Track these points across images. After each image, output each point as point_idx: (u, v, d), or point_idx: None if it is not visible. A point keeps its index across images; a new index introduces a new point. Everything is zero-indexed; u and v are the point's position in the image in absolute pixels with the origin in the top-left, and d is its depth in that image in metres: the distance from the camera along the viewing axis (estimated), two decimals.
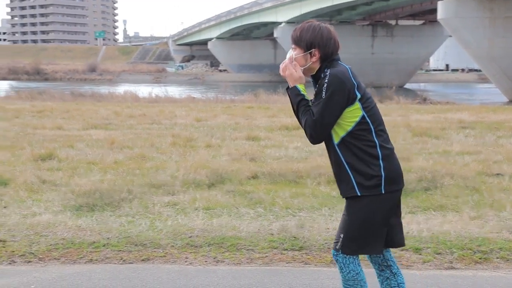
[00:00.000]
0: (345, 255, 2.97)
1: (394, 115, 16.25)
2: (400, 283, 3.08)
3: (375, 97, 24.08)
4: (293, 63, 2.98)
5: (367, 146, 2.91)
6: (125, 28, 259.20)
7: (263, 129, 12.97)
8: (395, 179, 2.95)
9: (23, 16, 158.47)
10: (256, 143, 10.67)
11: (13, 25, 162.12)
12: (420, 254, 4.67)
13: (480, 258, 4.59)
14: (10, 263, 4.59)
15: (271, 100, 23.67)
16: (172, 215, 5.71)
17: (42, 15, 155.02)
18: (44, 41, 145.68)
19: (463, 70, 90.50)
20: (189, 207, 5.98)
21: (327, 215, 5.65)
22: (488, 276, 4.30)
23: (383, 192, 2.90)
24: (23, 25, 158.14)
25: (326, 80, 2.85)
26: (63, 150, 9.61)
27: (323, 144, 3.04)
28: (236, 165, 7.96)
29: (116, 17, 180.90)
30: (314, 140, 2.92)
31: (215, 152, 9.49)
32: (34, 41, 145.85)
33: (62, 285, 4.15)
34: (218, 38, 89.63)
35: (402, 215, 5.54)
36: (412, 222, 5.35)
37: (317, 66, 2.99)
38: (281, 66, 3.04)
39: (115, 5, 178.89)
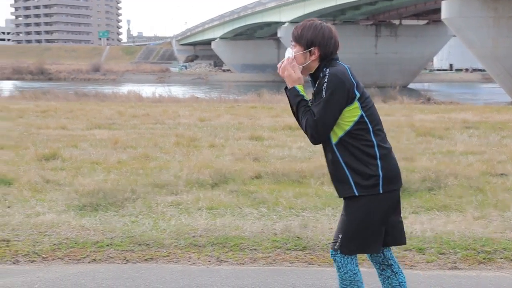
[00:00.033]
0: (343, 255, 2.97)
1: (398, 115, 16.24)
2: (402, 282, 3.08)
3: (379, 97, 24.11)
4: (291, 64, 2.97)
5: (365, 145, 2.90)
6: (128, 28, 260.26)
7: (266, 129, 12.96)
8: (393, 178, 2.95)
9: (27, 16, 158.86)
10: (260, 143, 10.67)
11: (17, 25, 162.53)
12: (423, 254, 4.66)
13: (484, 258, 4.58)
14: (14, 263, 4.60)
15: (275, 100, 23.66)
16: (176, 215, 5.71)
17: (46, 15, 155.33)
18: (48, 41, 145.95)
19: (467, 70, 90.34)
20: (192, 207, 5.98)
21: (331, 215, 5.65)
22: (491, 277, 4.29)
23: (381, 191, 2.90)
24: (27, 25, 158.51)
25: (326, 80, 2.84)
26: (67, 150, 9.63)
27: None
28: (239, 165, 7.96)
29: (120, 17, 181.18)
30: (316, 140, 2.91)
31: (219, 152, 9.49)
32: (38, 41, 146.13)
33: (66, 285, 4.16)
34: (221, 38, 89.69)
35: (406, 215, 5.57)
36: (416, 222, 5.34)
37: (316, 65, 2.98)
38: (279, 65, 3.03)
39: (119, 5, 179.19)
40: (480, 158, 8.75)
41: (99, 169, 7.98)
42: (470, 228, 5.17)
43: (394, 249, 4.62)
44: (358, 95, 2.89)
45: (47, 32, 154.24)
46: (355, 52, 59.28)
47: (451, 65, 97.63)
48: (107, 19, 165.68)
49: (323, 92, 2.84)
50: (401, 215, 3.10)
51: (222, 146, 10.26)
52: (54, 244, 4.91)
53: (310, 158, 8.61)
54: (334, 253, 3.00)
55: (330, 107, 2.83)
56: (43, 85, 50.24)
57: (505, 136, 11.54)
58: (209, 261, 4.60)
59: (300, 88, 2.97)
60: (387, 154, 2.95)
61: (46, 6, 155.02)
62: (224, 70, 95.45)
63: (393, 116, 16.00)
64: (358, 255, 3.03)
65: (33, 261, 4.63)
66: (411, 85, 62.25)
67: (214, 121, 15.00)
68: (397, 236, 3.05)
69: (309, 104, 2.94)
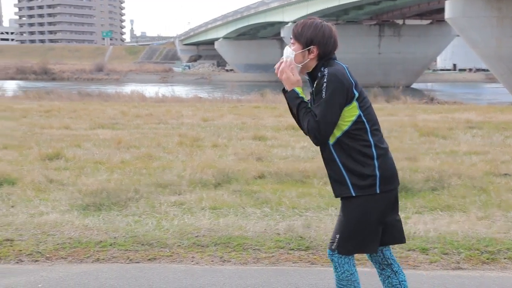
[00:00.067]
0: (340, 255, 2.97)
1: (401, 115, 16.22)
2: (402, 281, 3.08)
3: (382, 97, 24.10)
4: (290, 67, 2.96)
5: (362, 146, 2.90)
6: (132, 28, 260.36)
7: (269, 128, 12.97)
8: (390, 178, 2.95)
9: (31, 16, 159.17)
10: (263, 142, 10.67)
11: (21, 25, 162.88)
12: (427, 255, 4.66)
13: (487, 259, 4.57)
14: (17, 262, 4.61)
15: (278, 100, 23.63)
16: (179, 214, 5.72)
17: (49, 15, 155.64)
18: (51, 41, 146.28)
19: (470, 69, 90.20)
20: (195, 207, 5.98)
21: (334, 215, 5.64)
22: (495, 277, 4.28)
23: (378, 192, 2.89)
24: (31, 25, 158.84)
25: (325, 80, 2.83)
26: (70, 149, 9.65)
27: None
28: (242, 165, 7.96)
29: (123, 17, 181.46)
30: (318, 141, 2.89)
31: (222, 152, 9.49)
32: (42, 41, 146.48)
33: (69, 284, 4.16)
34: (224, 38, 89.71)
35: (409, 215, 5.57)
36: (419, 222, 5.34)
37: (314, 63, 2.97)
38: (277, 67, 3.02)
39: (122, 5, 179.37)
40: (483, 158, 8.73)
41: (103, 169, 7.99)
42: (474, 228, 5.16)
43: (397, 249, 4.64)
44: (357, 94, 2.89)
45: (50, 32, 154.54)
46: (358, 52, 59.24)
47: (454, 65, 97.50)
48: (110, 19, 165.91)
49: (323, 92, 2.83)
50: (399, 214, 3.10)
51: (225, 146, 10.26)
52: (58, 244, 4.92)
53: (313, 158, 8.61)
54: (331, 253, 3.00)
55: (331, 107, 2.82)
56: (46, 85, 50.36)
57: (508, 136, 11.52)
58: (212, 261, 4.61)
59: (299, 90, 2.96)
60: (384, 154, 2.95)
61: (49, 6, 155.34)
62: (227, 70, 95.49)
63: (397, 116, 15.98)
64: (358, 255, 3.03)
65: (37, 260, 4.64)
66: (414, 85, 62.14)
67: (217, 121, 15.00)
68: (396, 235, 3.05)
69: (309, 105, 2.93)
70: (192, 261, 4.60)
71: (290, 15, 63.11)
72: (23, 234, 5.15)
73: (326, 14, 56.84)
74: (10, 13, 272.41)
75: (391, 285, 3.08)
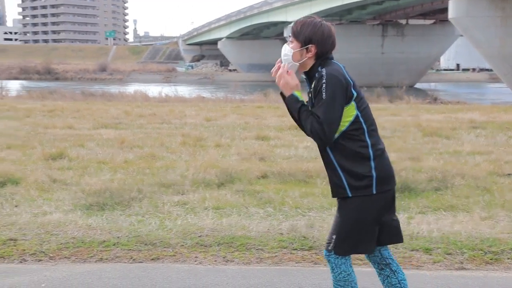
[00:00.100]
0: (337, 256, 2.97)
1: (405, 115, 16.19)
2: (401, 280, 3.07)
3: (385, 97, 24.06)
4: (288, 72, 2.95)
5: (359, 146, 2.89)
6: (135, 28, 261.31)
7: (272, 128, 12.96)
8: (387, 179, 2.94)
9: (34, 16, 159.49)
10: (266, 142, 10.67)
11: (24, 25, 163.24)
12: (430, 255, 4.65)
13: (491, 259, 4.56)
14: (21, 262, 4.62)
15: (281, 100, 23.47)
16: (182, 214, 5.72)
17: (53, 15, 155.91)
18: (55, 40, 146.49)
19: (474, 69, 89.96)
20: (198, 207, 5.99)
21: None
22: (499, 277, 4.28)
23: (374, 192, 2.89)
24: (34, 25, 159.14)
25: (324, 80, 2.82)
26: (74, 149, 9.66)
27: None
28: (245, 165, 7.96)
29: (126, 17, 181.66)
30: (323, 142, 2.87)
31: (225, 152, 9.50)
32: (45, 41, 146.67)
33: (73, 284, 4.17)
34: (228, 37, 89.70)
35: (412, 215, 5.56)
36: (423, 222, 5.33)
37: (311, 62, 2.96)
38: (273, 70, 3.02)
39: (126, 5, 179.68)
40: (487, 158, 8.72)
41: (106, 169, 8.01)
42: (477, 229, 5.16)
43: (400, 249, 4.63)
44: (355, 94, 2.89)
45: (54, 32, 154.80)
46: (361, 52, 59.18)
47: (458, 65, 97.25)
48: (113, 19, 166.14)
49: (323, 93, 2.82)
50: (397, 214, 3.10)
51: (228, 145, 10.27)
52: (61, 244, 4.93)
53: (316, 158, 8.60)
54: (328, 254, 3.01)
55: (332, 107, 2.81)
56: (50, 85, 50.39)
57: None
58: (215, 260, 4.61)
59: (298, 93, 2.96)
60: (380, 154, 2.94)
61: (53, 6, 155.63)
62: (230, 70, 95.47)
63: (400, 116, 15.97)
64: (358, 255, 3.03)
65: (40, 260, 4.65)
66: (417, 85, 62.04)
67: (220, 120, 15.00)
68: (393, 235, 3.04)
69: (309, 107, 2.93)
70: (195, 261, 4.60)
71: (293, 15, 63.04)
72: (26, 233, 5.16)
73: (329, 14, 56.76)
74: (13, 13, 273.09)
75: (391, 284, 3.07)
